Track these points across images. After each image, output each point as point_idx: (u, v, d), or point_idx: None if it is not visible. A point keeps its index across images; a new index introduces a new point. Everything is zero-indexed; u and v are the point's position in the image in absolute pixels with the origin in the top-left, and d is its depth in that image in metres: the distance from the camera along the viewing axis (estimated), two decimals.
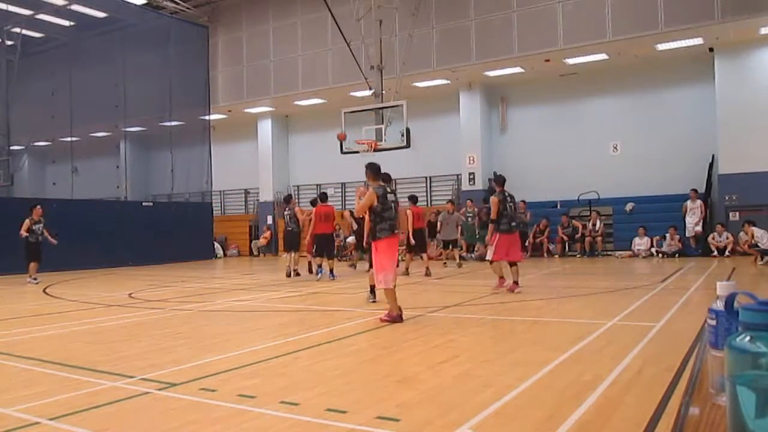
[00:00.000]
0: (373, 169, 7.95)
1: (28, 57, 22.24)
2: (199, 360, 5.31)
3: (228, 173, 25.74)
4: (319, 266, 13.47)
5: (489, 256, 10.13)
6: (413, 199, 14.94)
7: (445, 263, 16.54)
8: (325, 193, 14.60)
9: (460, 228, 16.77)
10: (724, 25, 15.67)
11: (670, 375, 4.30)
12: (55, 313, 8.94)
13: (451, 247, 16.92)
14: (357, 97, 20.23)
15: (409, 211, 14.00)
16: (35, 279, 14.10)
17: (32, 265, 14.18)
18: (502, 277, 10.09)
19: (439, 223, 16.89)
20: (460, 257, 18.83)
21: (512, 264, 10.01)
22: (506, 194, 10.22)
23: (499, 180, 10.59)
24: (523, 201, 19.22)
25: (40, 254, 14.29)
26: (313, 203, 14.12)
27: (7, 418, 3.72)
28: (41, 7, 20.61)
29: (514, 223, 10.13)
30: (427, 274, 13.70)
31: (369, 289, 9.17)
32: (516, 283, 9.85)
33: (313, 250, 13.71)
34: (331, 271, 13.26)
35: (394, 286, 7.24)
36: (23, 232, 14.02)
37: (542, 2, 17.77)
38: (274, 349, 5.85)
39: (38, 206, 14.56)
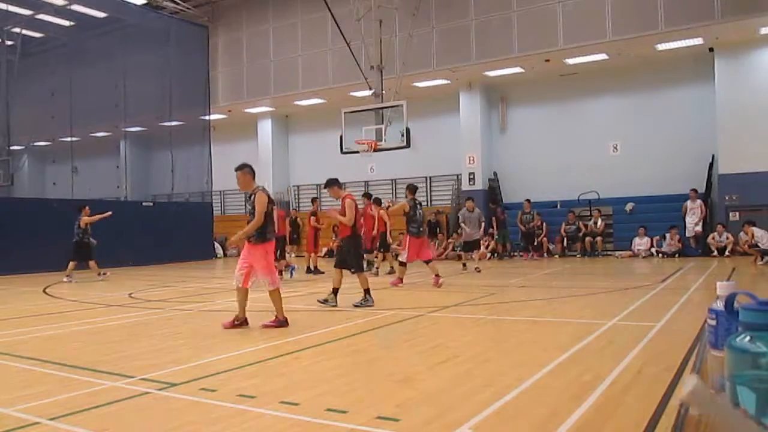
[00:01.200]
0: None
1: (28, 57, 22.21)
2: (199, 360, 5.31)
3: (228, 173, 25.29)
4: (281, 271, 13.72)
5: (403, 258, 11.51)
6: (377, 202, 14.94)
7: (464, 265, 14.61)
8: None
9: (483, 226, 15.83)
10: (724, 25, 15.67)
11: (670, 375, 4.30)
12: (55, 313, 8.93)
13: (474, 248, 15.14)
14: (357, 97, 20.23)
15: (383, 212, 14.05)
16: (70, 278, 14.21)
17: (72, 264, 14.31)
18: (401, 279, 11.47)
19: (462, 223, 15.53)
20: (460, 257, 18.86)
21: (427, 262, 11.50)
22: (416, 201, 11.62)
23: (411, 188, 11.98)
24: (528, 200, 19.20)
25: (86, 254, 14.41)
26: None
27: (7, 418, 3.72)
28: (41, 7, 20.59)
29: (422, 228, 11.59)
30: (376, 273, 13.80)
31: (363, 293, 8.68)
32: (438, 276, 11.12)
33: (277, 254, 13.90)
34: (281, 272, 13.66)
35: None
36: (89, 220, 14.28)
37: (542, 2, 17.77)
38: (274, 349, 5.85)
39: (87, 207, 14.77)
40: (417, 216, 11.47)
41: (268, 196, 7.21)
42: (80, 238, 14.25)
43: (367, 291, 8.63)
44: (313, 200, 16.50)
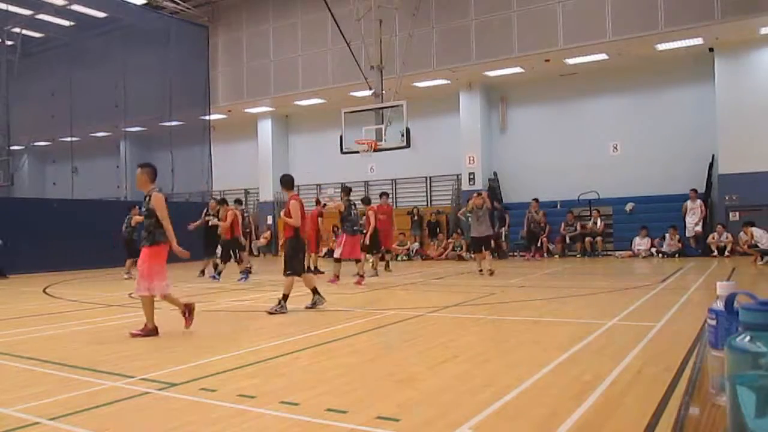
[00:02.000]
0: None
1: (28, 57, 22.24)
2: (199, 360, 5.32)
3: (228, 173, 25.73)
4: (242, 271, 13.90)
5: (337, 255, 12.04)
6: (366, 201, 14.89)
7: (481, 271, 13.09)
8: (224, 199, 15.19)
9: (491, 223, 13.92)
10: (724, 25, 15.67)
11: (670, 375, 4.30)
12: (55, 313, 8.94)
13: (483, 248, 13.23)
14: (357, 97, 20.23)
15: (370, 212, 14.07)
16: (129, 274, 14.70)
17: (130, 261, 14.83)
18: (338, 276, 11.96)
19: (473, 220, 13.53)
20: (460, 257, 18.86)
21: (357, 260, 12.12)
22: (351, 202, 12.25)
23: (345, 189, 12.67)
24: (536, 199, 19.15)
25: (135, 251, 14.74)
26: (226, 203, 14.52)
27: (7, 418, 3.72)
28: (41, 7, 20.61)
29: (356, 227, 12.25)
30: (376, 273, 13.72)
31: (312, 293, 8.51)
32: (362, 276, 11.71)
33: (224, 254, 13.92)
34: (245, 272, 13.80)
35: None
36: (139, 219, 14.52)
37: (542, 2, 17.76)
38: (274, 349, 5.85)
39: (136, 206, 15.09)
40: (352, 216, 12.10)
41: (166, 198, 7.03)
42: (130, 236, 14.70)
43: (284, 297, 8.27)
44: (317, 201, 16.54)
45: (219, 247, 14.48)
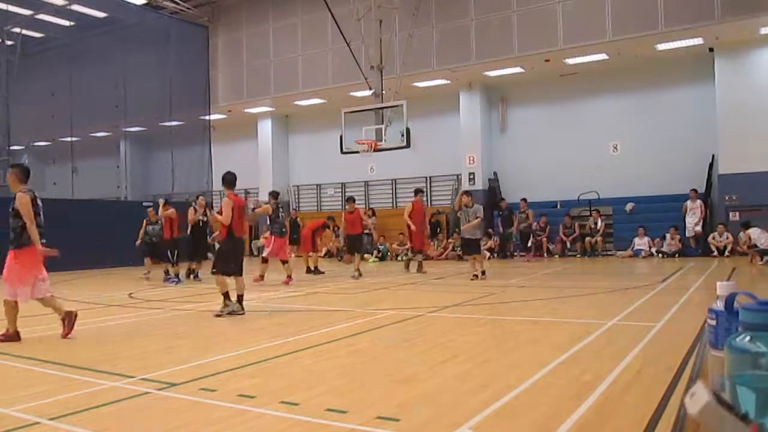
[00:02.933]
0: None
1: (28, 57, 22.21)
2: (199, 360, 5.32)
3: None
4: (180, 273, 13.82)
5: (264, 254, 12.68)
6: (351, 200, 14.64)
7: (476, 276, 12.21)
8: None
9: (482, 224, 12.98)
10: (724, 25, 15.66)
11: (670, 375, 4.30)
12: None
13: (471, 250, 12.55)
14: (357, 97, 20.22)
15: (362, 212, 14.01)
16: (147, 273, 14.60)
17: (147, 261, 14.78)
18: (263, 276, 12.50)
19: (462, 220, 12.63)
20: (460, 257, 18.85)
21: (284, 262, 12.49)
22: (278, 205, 12.93)
23: (273, 194, 13.38)
24: (524, 199, 19.17)
25: (154, 252, 14.72)
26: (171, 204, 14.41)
27: (7, 418, 3.72)
28: (41, 7, 20.59)
29: (284, 229, 12.89)
30: (359, 275, 13.50)
31: (236, 299, 8.18)
32: (290, 277, 12.24)
33: (174, 256, 13.80)
34: (177, 275, 13.76)
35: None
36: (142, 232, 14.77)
37: (542, 2, 17.76)
38: (274, 349, 5.85)
39: (151, 209, 15.19)
40: (279, 218, 12.76)
41: (34, 198, 6.64)
42: (151, 239, 14.70)
43: (226, 295, 8.13)
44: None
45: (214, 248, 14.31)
